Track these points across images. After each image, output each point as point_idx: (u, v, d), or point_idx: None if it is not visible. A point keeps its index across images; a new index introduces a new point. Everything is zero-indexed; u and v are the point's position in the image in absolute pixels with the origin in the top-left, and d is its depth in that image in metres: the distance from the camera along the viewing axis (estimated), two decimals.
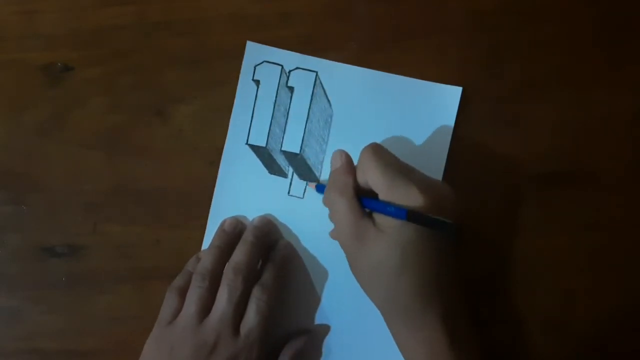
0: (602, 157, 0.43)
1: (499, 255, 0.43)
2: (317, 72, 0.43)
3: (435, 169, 0.42)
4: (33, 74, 0.45)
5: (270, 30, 0.44)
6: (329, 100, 0.43)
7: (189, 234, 0.44)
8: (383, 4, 0.44)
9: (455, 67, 0.43)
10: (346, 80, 0.43)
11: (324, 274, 0.43)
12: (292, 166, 0.44)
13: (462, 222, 0.38)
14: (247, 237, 0.42)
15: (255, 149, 0.44)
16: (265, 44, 0.44)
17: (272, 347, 0.42)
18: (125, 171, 0.44)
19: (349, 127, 0.43)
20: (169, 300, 0.40)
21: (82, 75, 0.45)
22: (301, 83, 0.44)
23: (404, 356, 0.37)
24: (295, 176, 0.44)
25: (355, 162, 0.39)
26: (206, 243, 0.44)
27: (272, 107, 0.44)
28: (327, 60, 0.43)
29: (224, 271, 0.40)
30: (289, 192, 0.44)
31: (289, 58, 0.44)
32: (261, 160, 0.44)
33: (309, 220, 0.43)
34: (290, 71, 0.44)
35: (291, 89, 0.44)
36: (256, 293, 0.40)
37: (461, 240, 0.41)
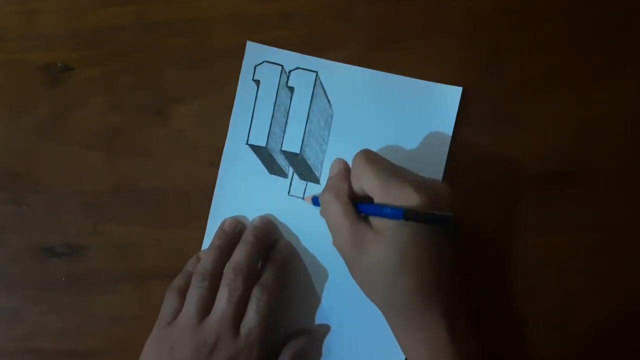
0: (602, 157, 0.43)
1: (499, 255, 0.43)
2: (317, 72, 0.43)
3: (435, 169, 0.42)
4: (33, 74, 0.45)
5: (270, 30, 0.44)
6: (329, 100, 0.43)
7: (189, 234, 0.44)
8: (383, 4, 0.44)
9: (455, 67, 0.43)
10: (346, 80, 0.43)
11: (324, 274, 0.43)
12: (292, 166, 0.44)
13: (461, 219, 0.38)
14: (247, 237, 0.42)
15: (256, 149, 0.44)
16: (265, 44, 0.44)
17: (272, 347, 0.42)
18: (125, 171, 0.44)
19: (349, 127, 0.43)
20: (169, 301, 0.40)
21: (82, 75, 0.45)
22: (301, 83, 0.44)
23: (405, 355, 0.38)
24: (296, 176, 0.44)
25: None
26: (206, 243, 0.44)
27: (272, 107, 0.44)
28: (327, 60, 0.43)
29: (224, 271, 0.40)
30: (289, 192, 0.44)
31: (289, 58, 0.43)
32: (261, 160, 0.44)
33: (309, 220, 0.43)
34: (290, 71, 0.44)
35: (291, 89, 0.44)
36: (256, 293, 0.40)
37: (459, 235, 0.41)
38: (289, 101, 0.44)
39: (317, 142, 0.43)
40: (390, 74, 0.43)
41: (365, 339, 0.43)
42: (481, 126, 0.43)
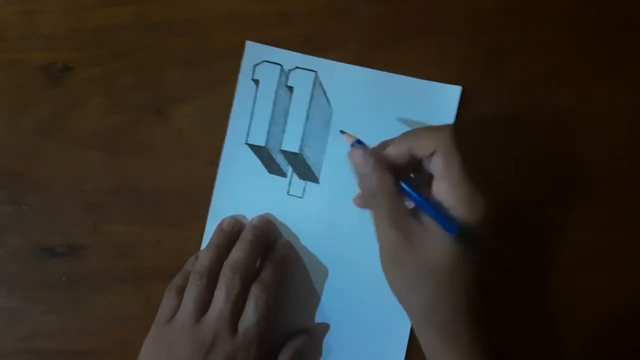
0: (601, 157, 0.43)
1: (498, 256, 0.43)
2: (316, 72, 0.43)
3: None
4: (33, 74, 0.45)
5: (270, 30, 0.44)
6: (328, 100, 0.43)
7: (189, 234, 0.44)
8: (383, 4, 0.44)
9: (455, 67, 0.43)
10: (345, 79, 0.43)
11: (323, 273, 0.43)
12: (292, 166, 0.44)
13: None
14: (246, 235, 0.42)
15: (255, 148, 0.44)
16: (266, 44, 0.44)
17: (272, 347, 0.42)
18: (125, 171, 0.44)
19: (349, 126, 0.43)
20: (167, 299, 0.41)
21: (82, 75, 0.45)
22: (300, 83, 0.44)
23: None
24: (295, 176, 0.44)
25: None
26: (205, 242, 0.44)
27: (272, 106, 0.44)
28: (327, 60, 0.43)
29: (222, 269, 0.40)
30: (288, 192, 0.44)
31: (289, 58, 0.44)
32: (260, 159, 0.44)
33: (308, 219, 0.43)
34: (289, 71, 0.44)
35: (290, 88, 0.44)
36: (255, 291, 0.40)
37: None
38: (288, 101, 0.44)
39: (317, 141, 0.43)
40: (389, 74, 0.43)
41: (365, 338, 0.43)
42: (481, 126, 0.43)
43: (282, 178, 0.44)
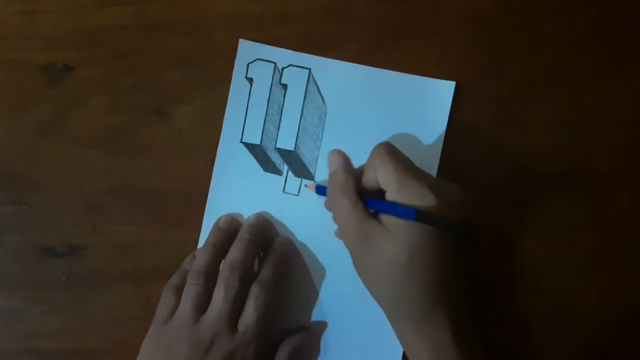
0: (601, 157, 0.43)
1: (497, 255, 0.43)
2: (310, 69, 0.43)
3: (429, 163, 0.42)
4: (33, 74, 0.45)
5: (270, 30, 0.44)
6: (322, 97, 0.44)
7: (189, 234, 0.44)
8: (383, 4, 0.44)
9: (455, 67, 0.43)
10: (339, 76, 0.43)
11: (320, 271, 0.43)
12: (287, 163, 0.44)
13: (472, 223, 0.38)
14: (243, 234, 0.42)
15: (250, 146, 0.44)
16: (266, 44, 0.44)
17: (270, 345, 0.42)
18: (125, 171, 0.44)
19: (343, 123, 0.43)
20: (165, 299, 0.40)
21: (82, 75, 0.45)
22: (294, 80, 0.44)
23: (408, 356, 0.37)
24: (290, 173, 0.44)
25: (359, 162, 0.39)
26: (202, 241, 0.44)
27: (266, 104, 0.44)
28: (320, 57, 0.43)
29: (220, 269, 0.40)
30: (284, 190, 0.44)
31: (282, 55, 0.44)
32: (256, 158, 0.44)
33: (305, 217, 0.43)
34: (283, 68, 0.44)
35: (284, 86, 0.44)
36: (254, 290, 0.40)
37: (471, 242, 0.41)
38: (282, 98, 0.44)
39: (311, 139, 0.43)
40: (383, 70, 0.43)
41: (363, 336, 0.43)
42: (481, 126, 0.43)
43: (278, 176, 0.44)
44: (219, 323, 0.38)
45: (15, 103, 0.45)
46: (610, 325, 0.43)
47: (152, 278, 0.44)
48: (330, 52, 0.43)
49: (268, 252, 0.42)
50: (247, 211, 0.44)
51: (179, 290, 0.40)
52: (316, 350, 0.43)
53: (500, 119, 0.43)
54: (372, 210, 0.37)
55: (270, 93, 0.44)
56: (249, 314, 0.39)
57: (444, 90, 0.43)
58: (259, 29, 0.44)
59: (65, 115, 0.44)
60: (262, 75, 0.44)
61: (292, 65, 0.44)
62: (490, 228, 0.43)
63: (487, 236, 0.43)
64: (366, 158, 0.38)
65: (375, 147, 0.38)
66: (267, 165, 0.44)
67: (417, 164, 0.38)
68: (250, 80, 0.44)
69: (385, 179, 0.36)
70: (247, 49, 0.44)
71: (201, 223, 0.44)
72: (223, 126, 0.44)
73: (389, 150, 0.37)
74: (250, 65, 0.44)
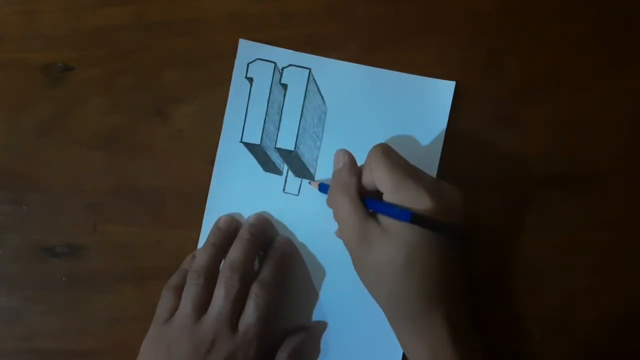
0: (601, 157, 0.43)
1: (497, 255, 0.43)
2: (310, 69, 0.43)
3: (429, 163, 0.42)
4: (33, 74, 0.45)
5: (270, 30, 0.44)
6: (322, 97, 0.44)
7: (189, 234, 0.44)
8: (383, 4, 0.44)
9: (455, 67, 0.43)
10: (339, 76, 0.43)
11: (321, 271, 0.43)
12: (287, 163, 0.44)
13: (469, 224, 0.38)
14: (243, 234, 0.42)
15: (250, 146, 0.44)
16: (266, 44, 0.44)
17: (270, 345, 0.42)
18: (125, 171, 0.44)
19: (343, 123, 0.43)
20: (165, 299, 0.40)
21: (82, 75, 0.45)
22: (294, 80, 0.44)
23: (407, 356, 0.38)
24: (290, 173, 0.44)
25: (359, 161, 0.39)
26: (202, 241, 0.44)
27: (266, 104, 0.44)
28: (320, 57, 0.43)
29: (220, 269, 0.40)
30: (284, 190, 0.44)
31: (282, 55, 0.44)
32: (256, 158, 0.44)
33: (305, 217, 0.43)
34: (283, 68, 0.44)
35: (284, 86, 0.44)
36: (255, 290, 0.40)
37: (468, 243, 0.41)
38: (282, 98, 0.44)
39: (311, 138, 0.44)
40: (383, 70, 0.43)
41: (364, 336, 0.43)
42: (481, 126, 0.43)
43: (278, 176, 0.44)
44: (220, 323, 0.38)
45: (15, 103, 0.45)
46: (610, 326, 0.43)
47: (152, 278, 0.44)
48: (330, 52, 0.43)
49: (268, 252, 0.42)
50: (247, 211, 0.44)
51: (179, 290, 0.40)
52: (316, 350, 0.43)
53: (500, 119, 0.43)
54: (371, 211, 0.37)
55: (270, 93, 0.44)
56: (250, 314, 0.39)
57: (444, 90, 0.43)
58: (259, 29, 0.44)
59: (65, 115, 0.44)
60: (262, 75, 0.44)
61: (292, 65, 0.44)
62: (490, 228, 0.43)
63: (487, 236, 0.43)
64: (366, 158, 0.38)
65: (371, 149, 0.38)
66: (267, 165, 0.44)
67: (417, 164, 0.38)
68: (250, 80, 0.44)
69: (381, 180, 0.36)
70: (247, 49, 0.44)
71: (201, 223, 0.44)
72: (223, 126, 0.44)
73: (385, 152, 0.37)
74: (250, 65, 0.44)
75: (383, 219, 0.37)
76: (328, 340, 0.43)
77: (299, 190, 0.44)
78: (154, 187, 0.44)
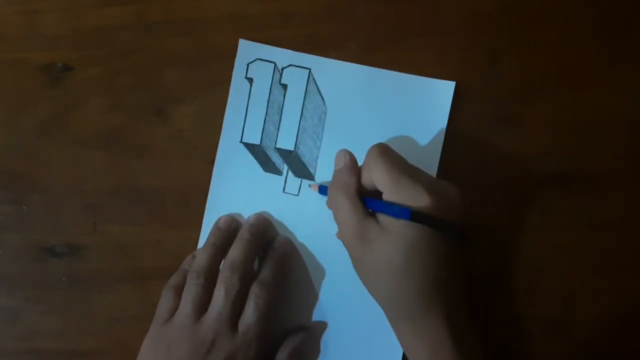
0: (602, 157, 0.43)
1: (497, 255, 0.43)
2: (310, 69, 0.43)
3: (429, 163, 0.42)
4: (33, 74, 0.45)
5: (270, 30, 0.44)
6: (322, 97, 0.44)
7: (189, 234, 0.44)
8: (383, 4, 0.44)
9: (455, 67, 0.43)
10: (339, 76, 0.43)
11: (320, 271, 0.43)
12: (287, 163, 0.44)
13: (469, 223, 0.38)
14: (243, 234, 0.42)
15: (250, 146, 0.44)
16: (266, 44, 0.44)
17: (270, 345, 0.42)
18: (125, 171, 0.44)
19: (343, 123, 0.44)
20: (165, 299, 0.40)
21: (82, 75, 0.45)
22: (294, 80, 0.44)
23: (406, 354, 0.38)
24: (290, 173, 0.44)
25: (360, 161, 0.40)
26: (202, 241, 0.44)
27: (266, 104, 0.44)
28: (320, 57, 0.43)
29: (220, 269, 0.40)
30: (284, 190, 0.44)
31: (282, 55, 0.44)
32: (255, 158, 0.44)
33: (305, 217, 0.43)
34: (283, 68, 0.44)
35: (284, 86, 0.44)
36: (255, 290, 0.40)
37: (468, 241, 0.41)
38: (282, 98, 0.44)
39: (311, 139, 0.44)
40: (383, 70, 0.43)
41: (363, 336, 0.43)
42: (481, 126, 0.43)
43: (278, 176, 0.44)
44: (220, 323, 0.38)
45: (15, 103, 0.45)
46: (610, 326, 0.43)
47: (152, 278, 0.44)
48: (330, 52, 0.43)
49: (268, 252, 0.42)
50: (247, 211, 0.44)
51: (179, 290, 0.40)
52: (316, 350, 0.43)
53: (500, 119, 0.43)
54: (371, 211, 0.37)
55: (270, 93, 0.44)
56: (250, 314, 0.39)
57: (444, 90, 0.43)
58: (259, 29, 0.44)
59: (65, 115, 0.44)
60: (262, 75, 0.44)
61: (292, 65, 0.44)
62: (490, 228, 0.43)
63: (487, 236, 0.43)
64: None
65: (369, 149, 0.38)
66: (267, 165, 0.44)
67: (417, 164, 0.38)
68: (250, 80, 0.44)
69: (380, 180, 0.37)
70: (247, 49, 0.44)
71: (201, 223, 0.44)
72: (223, 126, 0.44)
73: (383, 152, 0.37)
74: (250, 65, 0.44)
75: (383, 218, 0.37)
76: (328, 340, 0.43)
77: (299, 191, 0.44)
78: (154, 187, 0.44)
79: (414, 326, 0.36)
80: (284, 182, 0.44)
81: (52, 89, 0.45)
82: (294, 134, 0.44)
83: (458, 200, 0.37)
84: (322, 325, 0.43)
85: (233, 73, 0.44)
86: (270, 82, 0.44)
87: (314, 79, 0.44)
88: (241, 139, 0.44)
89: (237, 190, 0.44)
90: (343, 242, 0.38)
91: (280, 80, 0.44)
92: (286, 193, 0.44)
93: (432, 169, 0.42)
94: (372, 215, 0.37)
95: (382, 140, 0.41)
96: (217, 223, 0.43)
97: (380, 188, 0.37)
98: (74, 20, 0.45)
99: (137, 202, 0.44)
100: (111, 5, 0.44)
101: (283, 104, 0.44)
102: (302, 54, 0.43)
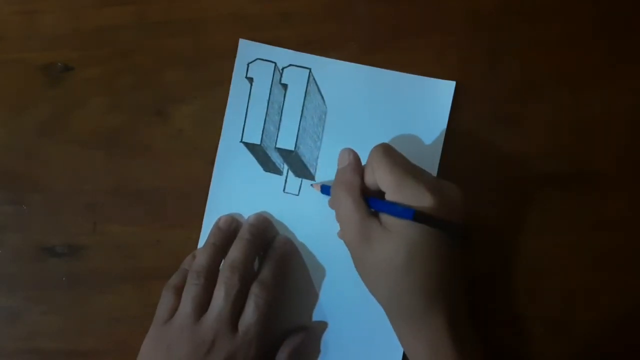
0: (602, 157, 0.43)
1: (497, 255, 0.43)
2: (310, 69, 0.43)
3: (429, 163, 0.42)
4: (33, 74, 0.45)
5: (270, 30, 0.44)
6: (322, 97, 0.44)
7: (189, 234, 0.44)
8: (383, 4, 0.44)
9: (455, 66, 0.43)
10: (339, 76, 0.43)
11: (321, 271, 0.43)
12: (287, 163, 0.44)
13: (469, 223, 0.38)
14: (244, 234, 0.42)
15: (250, 146, 0.44)
16: (266, 44, 0.44)
17: (270, 345, 0.42)
18: (125, 171, 0.44)
19: (343, 123, 0.44)
20: (165, 299, 0.40)
21: (82, 75, 0.45)
22: (295, 80, 0.44)
23: (407, 354, 0.38)
24: (291, 173, 0.44)
25: (363, 161, 0.40)
26: (202, 241, 0.44)
27: (266, 104, 0.44)
28: (320, 57, 0.43)
29: (220, 269, 0.40)
30: (284, 190, 0.44)
31: (282, 55, 0.44)
32: (256, 157, 0.44)
33: (305, 217, 0.43)
34: (283, 68, 0.44)
35: (285, 86, 0.44)
36: (255, 290, 0.40)
37: (468, 241, 0.41)
38: (282, 98, 0.44)
39: (312, 138, 0.44)
40: (383, 70, 0.43)
41: (363, 336, 0.43)
42: (481, 126, 0.43)
43: (278, 176, 0.44)
44: (220, 323, 0.38)
45: (15, 103, 0.45)
46: (610, 326, 0.43)
47: (152, 278, 0.44)
48: (330, 52, 0.43)
49: (268, 252, 0.42)
50: (247, 211, 0.44)
51: (179, 290, 0.40)
52: (316, 350, 0.43)
53: (500, 119, 0.43)
54: (373, 210, 0.37)
55: (270, 93, 0.44)
56: (250, 314, 0.39)
57: (444, 90, 0.43)
58: (259, 29, 0.44)
59: (65, 115, 0.44)
60: (262, 75, 0.44)
61: (292, 65, 0.44)
62: (490, 228, 0.43)
63: (487, 236, 0.43)
64: (366, 158, 0.38)
65: (372, 149, 0.38)
66: (267, 165, 0.44)
67: (417, 163, 0.38)
68: (251, 80, 0.44)
69: (383, 180, 0.37)
70: (247, 49, 0.44)
71: (201, 223, 0.44)
72: (223, 126, 0.44)
73: (386, 152, 0.37)
74: (250, 65, 0.44)
75: (385, 218, 0.37)
76: (328, 340, 0.43)
77: (299, 190, 0.44)
78: (154, 187, 0.44)
79: (414, 326, 0.36)
80: (284, 182, 0.44)
81: (52, 89, 0.45)
82: (294, 134, 0.44)
83: (460, 201, 0.37)
84: (322, 325, 0.43)
85: (233, 73, 0.44)
86: (270, 82, 0.44)
87: (314, 79, 0.44)
88: (241, 138, 0.44)
89: (237, 190, 0.44)
90: (345, 241, 0.38)
91: (280, 80, 0.44)
92: (286, 193, 0.44)
93: (432, 169, 0.42)
94: (375, 214, 0.37)
95: (383, 140, 0.41)
96: (217, 223, 0.43)
97: (383, 188, 0.37)
98: (74, 20, 0.45)
99: (137, 202, 0.44)
100: (111, 5, 0.44)
101: (283, 104, 0.44)
102: (302, 53, 0.44)
